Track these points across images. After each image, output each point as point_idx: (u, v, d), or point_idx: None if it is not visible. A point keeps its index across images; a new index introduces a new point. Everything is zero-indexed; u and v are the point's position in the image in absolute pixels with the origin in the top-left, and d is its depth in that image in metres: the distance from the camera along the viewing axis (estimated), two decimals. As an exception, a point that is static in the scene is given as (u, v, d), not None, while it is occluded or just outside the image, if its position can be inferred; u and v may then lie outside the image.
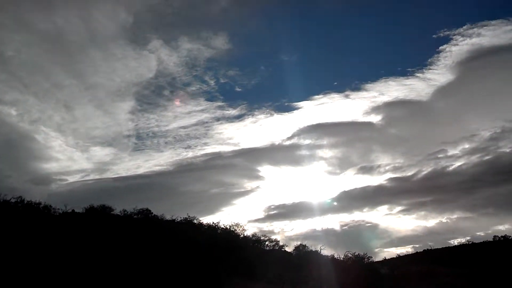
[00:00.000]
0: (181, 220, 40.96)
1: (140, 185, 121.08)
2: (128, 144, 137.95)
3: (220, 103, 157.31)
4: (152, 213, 38.73)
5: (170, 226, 38.23)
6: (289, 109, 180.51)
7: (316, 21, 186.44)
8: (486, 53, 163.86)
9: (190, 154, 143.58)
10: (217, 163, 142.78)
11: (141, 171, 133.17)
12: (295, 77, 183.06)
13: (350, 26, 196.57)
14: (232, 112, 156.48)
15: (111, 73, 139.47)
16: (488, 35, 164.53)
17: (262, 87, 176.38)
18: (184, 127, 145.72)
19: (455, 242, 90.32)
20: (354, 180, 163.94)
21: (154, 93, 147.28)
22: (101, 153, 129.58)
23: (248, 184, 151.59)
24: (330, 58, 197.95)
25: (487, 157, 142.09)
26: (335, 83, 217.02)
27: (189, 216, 41.41)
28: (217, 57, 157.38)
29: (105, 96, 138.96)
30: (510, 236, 77.24)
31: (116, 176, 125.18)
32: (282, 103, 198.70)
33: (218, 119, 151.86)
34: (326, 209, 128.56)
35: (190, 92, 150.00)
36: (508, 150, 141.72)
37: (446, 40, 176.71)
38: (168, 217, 40.20)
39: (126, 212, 37.94)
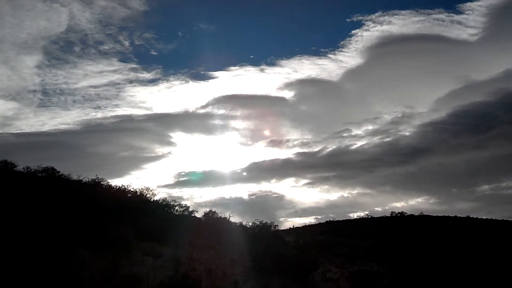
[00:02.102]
0: (88, 181, 39.48)
1: (44, 142, 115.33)
2: (33, 99, 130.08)
3: (134, 65, 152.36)
4: (58, 172, 36.90)
5: (76, 186, 36.74)
6: (205, 77, 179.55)
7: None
8: (394, 41, 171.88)
9: (99, 114, 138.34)
10: (128, 126, 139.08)
11: (46, 128, 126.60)
12: (212, 46, 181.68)
13: (270, 2, 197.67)
14: (146, 75, 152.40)
15: (18, 25, 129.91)
16: (398, 24, 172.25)
17: (178, 53, 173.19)
18: (94, 87, 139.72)
19: (355, 215, 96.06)
20: (264, 152, 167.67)
21: (63, 49, 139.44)
22: (2, 107, 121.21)
23: (159, 150, 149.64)
24: (248, 31, 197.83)
25: (387, 139, 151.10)
26: (252, 56, 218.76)
27: (97, 177, 40.01)
28: (133, 18, 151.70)
29: (10, 49, 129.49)
30: (406, 213, 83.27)
31: (18, 131, 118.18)
32: (198, 71, 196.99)
33: (131, 81, 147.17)
34: (235, 178, 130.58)
35: (102, 51, 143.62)
36: (407, 134, 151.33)
37: (359, 25, 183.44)
38: (74, 177, 38.59)
39: (29, 170, 35.87)
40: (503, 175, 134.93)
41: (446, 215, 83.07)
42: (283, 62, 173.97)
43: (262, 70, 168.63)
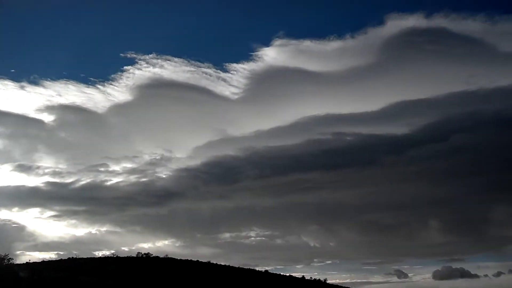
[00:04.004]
0: None
1: None
2: None
3: None
4: None
5: None
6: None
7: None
8: (164, 85, 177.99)
9: None
10: None
11: None
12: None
13: (44, 18, 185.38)
14: None
15: None
16: (170, 69, 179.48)
17: None
18: None
19: (100, 254, 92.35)
20: (9, 176, 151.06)
21: None
22: None
23: None
24: (13, 42, 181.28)
25: (144, 179, 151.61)
26: (13, 70, 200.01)
27: None
28: None
29: None
30: (152, 255, 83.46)
31: None
32: None
33: None
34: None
35: None
36: (163, 176, 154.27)
37: (132, 62, 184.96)
38: None
39: None
40: (243, 225, 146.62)
41: (189, 259, 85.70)
42: (47, 83, 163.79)
43: (22, 87, 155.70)
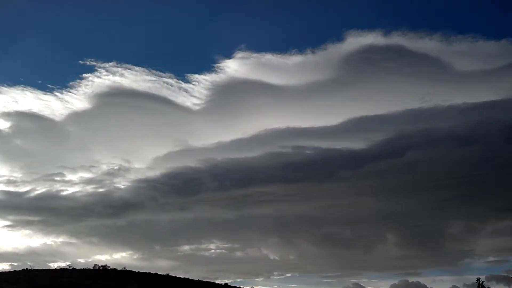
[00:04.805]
0: None
1: None
2: None
3: None
4: None
5: None
6: None
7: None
8: (124, 94, 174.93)
9: None
10: None
11: None
12: None
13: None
14: None
15: None
16: (130, 78, 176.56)
17: None
18: None
19: (55, 265, 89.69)
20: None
21: None
22: None
23: None
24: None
25: (101, 190, 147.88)
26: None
27: None
28: None
29: None
30: (109, 267, 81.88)
31: None
32: None
33: None
34: None
35: None
36: (121, 187, 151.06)
37: (91, 69, 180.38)
38: None
39: None
40: (202, 237, 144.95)
41: (147, 271, 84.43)
42: (3, 89, 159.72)
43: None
